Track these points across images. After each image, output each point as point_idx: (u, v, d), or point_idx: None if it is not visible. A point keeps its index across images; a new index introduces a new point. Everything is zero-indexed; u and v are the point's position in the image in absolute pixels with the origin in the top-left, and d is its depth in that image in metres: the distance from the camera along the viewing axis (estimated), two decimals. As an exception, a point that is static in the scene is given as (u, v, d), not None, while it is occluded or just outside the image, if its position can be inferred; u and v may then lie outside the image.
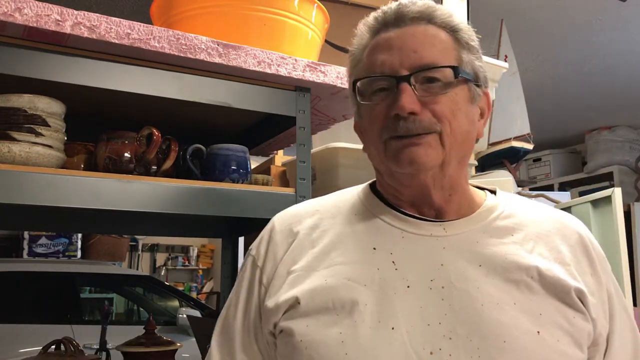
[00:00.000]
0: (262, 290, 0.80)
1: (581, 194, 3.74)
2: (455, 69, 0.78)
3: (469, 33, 0.83)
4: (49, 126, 1.01)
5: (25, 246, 4.51)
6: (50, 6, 0.96)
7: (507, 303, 0.74)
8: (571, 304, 0.76)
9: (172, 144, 1.14)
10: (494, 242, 0.79)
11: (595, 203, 1.69)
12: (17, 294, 3.45)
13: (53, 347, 1.22)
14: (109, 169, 1.09)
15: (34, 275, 3.57)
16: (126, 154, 1.10)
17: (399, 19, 0.80)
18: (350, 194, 0.88)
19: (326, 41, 1.50)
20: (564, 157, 5.03)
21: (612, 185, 4.35)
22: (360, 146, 1.38)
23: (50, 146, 1.01)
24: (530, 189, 3.39)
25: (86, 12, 0.99)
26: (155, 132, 1.11)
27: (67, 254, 4.79)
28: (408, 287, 0.74)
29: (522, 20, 3.06)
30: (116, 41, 1.01)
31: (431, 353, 0.70)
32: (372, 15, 0.84)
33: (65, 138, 1.07)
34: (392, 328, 0.71)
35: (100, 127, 1.15)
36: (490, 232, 0.80)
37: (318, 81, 1.21)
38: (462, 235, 0.80)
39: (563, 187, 4.72)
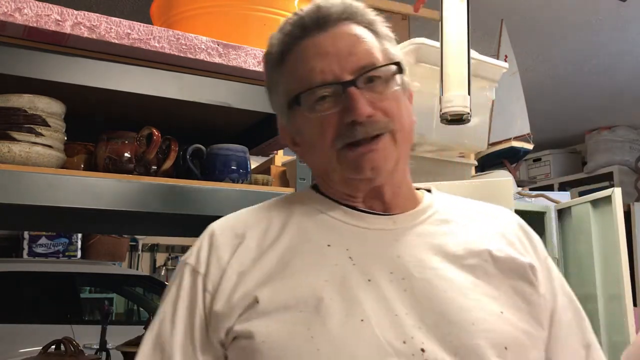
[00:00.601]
0: (208, 298, 0.74)
1: (581, 194, 3.74)
2: (398, 64, 0.79)
3: (381, 22, 0.82)
4: (49, 126, 1.01)
5: (25, 246, 4.51)
6: (50, 6, 0.96)
7: (467, 287, 0.74)
8: (528, 282, 0.78)
9: (172, 144, 1.14)
10: (443, 231, 0.80)
11: (595, 203, 1.69)
12: (17, 294, 3.45)
13: (53, 347, 1.22)
14: (109, 169, 1.09)
15: (34, 275, 3.57)
16: (126, 154, 1.10)
17: (322, 21, 0.78)
18: (294, 198, 0.86)
19: (326, 41, 1.49)
20: (564, 157, 5.02)
21: (612, 185, 4.35)
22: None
23: (50, 146, 1.01)
24: (530, 189, 3.39)
25: (86, 12, 0.99)
26: (155, 132, 1.11)
27: (67, 254, 4.79)
28: (369, 280, 0.72)
29: (522, 20, 3.05)
30: (116, 41, 1.01)
31: (404, 342, 0.68)
32: (287, 20, 0.81)
33: (65, 138, 1.07)
34: (362, 320, 0.69)
35: (100, 127, 1.15)
36: (437, 224, 0.81)
37: (318, 81, 1.21)
38: (411, 227, 0.79)
39: (563, 187, 4.72)
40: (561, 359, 0.79)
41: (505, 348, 0.70)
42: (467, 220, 0.83)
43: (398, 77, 0.80)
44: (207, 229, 0.81)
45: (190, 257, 0.79)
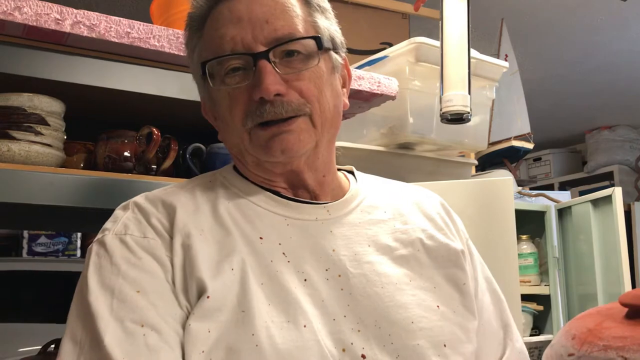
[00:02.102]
0: (165, 262, 0.65)
1: (581, 193, 3.74)
2: (317, 39, 0.71)
3: None
4: (49, 125, 1.01)
5: (25, 245, 4.51)
6: (50, 5, 0.96)
7: (404, 282, 0.71)
8: (460, 268, 0.76)
9: (171, 143, 1.14)
10: (372, 220, 0.76)
11: (595, 203, 1.69)
12: (17, 293, 3.45)
13: (52, 346, 1.22)
14: (109, 168, 1.08)
15: (34, 274, 3.57)
16: (126, 153, 1.10)
17: None
18: (216, 180, 0.77)
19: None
20: (564, 156, 5.02)
21: (613, 185, 4.35)
22: (361, 146, 1.38)
23: (49, 145, 1.01)
24: (531, 188, 3.39)
25: (86, 11, 0.99)
26: (155, 131, 1.11)
27: (66, 253, 4.79)
28: (305, 280, 0.67)
29: (523, 20, 3.05)
30: (116, 40, 1.01)
31: (343, 350, 0.64)
32: None
33: (65, 137, 1.07)
34: (304, 326, 0.64)
35: (100, 126, 1.15)
36: (366, 211, 0.77)
37: (318, 80, 1.21)
38: (345, 216, 0.75)
39: (563, 186, 4.72)
40: (483, 342, 0.77)
41: (444, 345, 0.69)
42: (394, 206, 0.79)
43: (327, 54, 0.73)
44: (124, 205, 0.72)
45: (112, 228, 0.69)
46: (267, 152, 0.70)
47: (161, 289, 0.64)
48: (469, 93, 1.24)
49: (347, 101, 0.78)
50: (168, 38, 1.07)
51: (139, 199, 0.72)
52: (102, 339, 0.60)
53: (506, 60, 2.85)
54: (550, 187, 4.75)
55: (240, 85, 0.69)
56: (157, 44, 1.05)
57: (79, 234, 4.90)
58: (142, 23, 1.05)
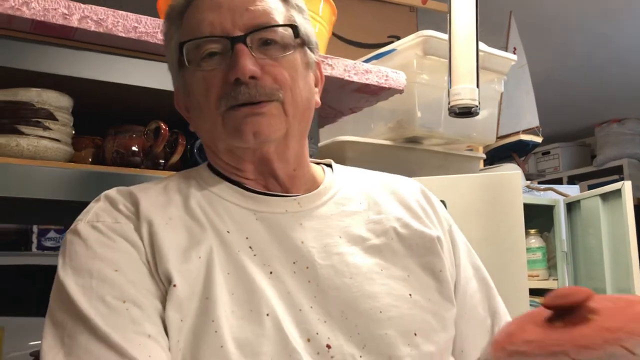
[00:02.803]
0: (138, 243, 0.67)
1: (590, 187, 3.72)
2: (294, 27, 0.73)
3: None
4: (57, 120, 1.01)
5: (34, 239, 4.54)
6: (58, 0, 0.96)
7: (374, 272, 0.71)
8: (436, 255, 0.75)
9: (179, 137, 1.14)
10: (346, 212, 0.76)
11: (604, 197, 1.68)
12: (27, 287, 3.47)
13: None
14: (117, 163, 1.09)
15: (44, 268, 3.59)
16: (134, 148, 1.10)
17: None
18: (189, 175, 0.78)
19: (333, 34, 1.49)
20: (573, 150, 4.99)
21: (622, 179, 4.32)
22: (368, 140, 1.37)
23: (58, 140, 1.01)
24: (539, 182, 3.37)
25: (93, 6, 0.99)
26: (163, 125, 1.11)
27: (76, 247, 4.81)
28: (271, 273, 0.68)
29: (531, 12, 3.03)
30: (123, 35, 1.01)
31: (308, 340, 0.65)
32: None
33: (74, 132, 1.07)
34: (267, 314, 0.64)
35: (108, 120, 1.15)
36: (340, 203, 0.77)
37: (325, 74, 1.21)
38: (316, 209, 0.75)
39: (572, 180, 4.70)
40: (467, 329, 0.77)
41: (415, 334, 0.68)
42: (369, 197, 0.80)
43: (302, 49, 0.75)
44: (97, 197, 0.73)
45: (84, 218, 0.70)
46: (239, 136, 0.71)
47: (137, 267, 0.65)
48: (477, 86, 1.23)
49: (319, 100, 0.80)
50: (175, 32, 1.07)
51: (110, 190, 0.74)
52: (86, 315, 0.61)
53: (515, 53, 2.83)
54: (559, 181, 4.73)
55: (216, 68, 0.71)
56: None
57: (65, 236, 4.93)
58: (149, 17, 1.05)
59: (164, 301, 0.64)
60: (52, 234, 4.64)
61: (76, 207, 1.27)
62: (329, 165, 0.86)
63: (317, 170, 0.83)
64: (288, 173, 0.76)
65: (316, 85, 0.80)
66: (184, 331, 0.62)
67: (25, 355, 1.23)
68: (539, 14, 3.06)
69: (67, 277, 0.65)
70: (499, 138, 2.90)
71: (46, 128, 0.99)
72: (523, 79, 3.02)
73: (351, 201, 0.78)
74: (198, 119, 0.76)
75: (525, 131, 2.95)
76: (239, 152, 0.74)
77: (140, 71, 1.07)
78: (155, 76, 1.08)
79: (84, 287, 0.63)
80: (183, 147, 1.14)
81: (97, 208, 0.71)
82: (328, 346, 0.65)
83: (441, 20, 1.52)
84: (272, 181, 0.76)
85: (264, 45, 0.72)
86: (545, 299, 0.46)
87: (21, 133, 0.97)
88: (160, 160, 1.13)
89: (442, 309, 0.73)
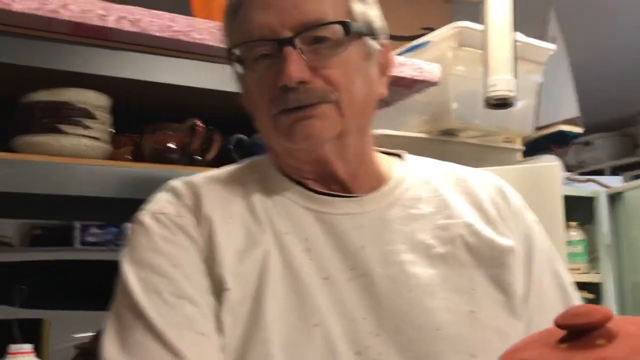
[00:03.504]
0: (198, 240, 0.67)
1: (635, 178, 3.61)
2: (345, 24, 0.67)
3: None
4: (96, 119, 1.03)
5: (77, 235, 4.66)
6: (94, 1, 0.98)
7: (436, 284, 0.67)
8: (506, 267, 0.70)
9: (215, 134, 1.15)
10: (412, 215, 0.72)
11: (649, 188, 1.63)
12: (70, 281, 3.57)
13: (105, 333, 1.26)
14: (155, 160, 1.11)
15: (86, 263, 3.68)
16: (171, 145, 1.12)
17: None
18: (252, 171, 0.76)
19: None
20: (615, 140, 4.86)
21: (667, 169, 4.19)
22: (404, 133, 1.36)
23: (97, 138, 1.03)
24: (580, 174, 3.29)
25: (128, 7, 1.01)
26: (199, 123, 1.12)
27: (117, 242, 4.92)
28: (326, 279, 0.65)
29: (570, 0, 2.95)
30: (158, 34, 1.03)
31: (358, 353, 0.62)
32: None
33: (112, 130, 1.09)
34: (315, 325, 0.62)
35: (145, 118, 1.17)
36: (406, 205, 0.72)
37: (359, 68, 1.20)
38: (379, 211, 0.71)
39: (615, 171, 4.57)
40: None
41: (473, 355, 0.63)
42: (440, 197, 0.74)
43: (360, 41, 0.69)
44: (163, 187, 0.74)
45: (149, 208, 0.71)
46: (290, 139, 0.69)
47: (195, 263, 0.66)
48: (515, 77, 1.21)
49: (384, 90, 0.75)
50: (209, 30, 1.08)
51: (176, 181, 0.74)
52: (142, 311, 0.62)
53: (553, 42, 2.77)
54: (600, 173, 4.60)
55: (267, 71, 0.68)
56: (199, 37, 1.06)
57: (129, 225, 5.03)
58: (183, 16, 1.06)
59: (218, 298, 0.64)
60: (93, 230, 4.75)
61: (116, 204, 1.30)
62: (400, 156, 0.81)
63: (385, 164, 0.78)
64: (349, 172, 0.72)
65: (384, 73, 0.75)
66: (235, 335, 0.62)
67: (70, 348, 1.27)
68: (579, 1, 2.99)
69: (128, 268, 0.66)
70: (538, 129, 2.84)
71: (86, 127, 1.01)
72: (562, 68, 2.95)
73: (419, 202, 0.73)
74: (257, 119, 0.74)
75: (565, 122, 2.88)
76: (295, 154, 0.71)
77: (176, 69, 1.08)
78: (190, 74, 1.09)
79: (144, 280, 0.64)
80: (219, 144, 1.15)
81: (162, 199, 0.72)
82: None
83: (476, 11, 1.50)
84: (332, 181, 0.73)
85: (316, 43, 0.67)
86: (557, 317, 0.43)
87: (62, 132, 0.99)
88: (197, 157, 1.15)
89: (507, 325, 0.67)
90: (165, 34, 1.03)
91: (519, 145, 1.72)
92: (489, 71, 1.22)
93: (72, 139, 1.00)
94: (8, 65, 0.98)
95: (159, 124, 1.14)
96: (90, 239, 4.75)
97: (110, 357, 0.62)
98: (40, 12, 0.93)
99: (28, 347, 0.95)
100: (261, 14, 0.68)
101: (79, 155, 1.00)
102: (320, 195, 0.72)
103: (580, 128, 2.89)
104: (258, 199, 0.71)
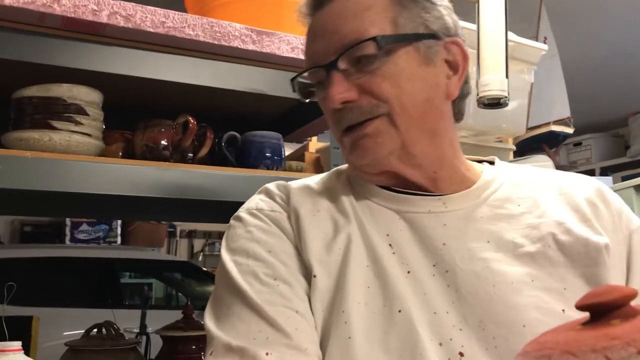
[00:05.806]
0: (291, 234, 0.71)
1: (624, 178, 3.64)
2: (375, 40, 0.67)
3: None
4: (88, 115, 1.03)
5: (68, 232, 4.64)
6: (87, -4, 0.97)
7: (523, 282, 0.66)
8: (602, 265, 0.68)
9: (207, 131, 1.15)
10: (500, 215, 0.71)
11: (638, 188, 1.64)
12: (61, 278, 3.55)
13: (95, 330, 1.25)
14: (147, 157, 1.10)
15: (76, 260, 3.67)
16: (163, 142, 1.12)
17: None
18: (337, 177, 0.80)
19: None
20: (605, 140, 4.90)
21: (657, 170, 4.22)
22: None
23: (89, 134, 1.03)
24: (570, 174, 3.31)
25: (122, 2, 1.00)
26: (191, 120, 1.12)
27: (107, 240, 4.91)
28: (409, 272, 0.66)
29: (562, 0, 2.97)
30: (151, 30, 1.02)
31: (440, 344, 0.62)
32: None
33: (104, 127, 1.09)
34: (399, 311, 0.63)
35: (137, 115, 1.17)
36: (494, 205, 0.72)
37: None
38: (463, 210, 0.71)
39: (605, 171, 4.60)
40: None
41: None
42: (533, 198, 0.73)
43: (408, 47, 0.69)
44: (259, 191, 0.79)
45: (246, 206, 0.76)
46: (352, 157, 0.73)
47: (288, 251, 0.70)
48: (507, 77, 1.21)
49: (454, 90, 0.73)
50: (202, 27, 1.07)
51: (270, 184, 0.79)
52: (241, 288, 0.67)
53: (545, 43, 2.78)
54: (591, 173, 4.64)
55: (324, 96, 0.72)
56: (192, 33, 1.06)
57: (119, 222, 5.02)
58: (177, 12, 1.05)
59: (309, 284, 0.68)
60: (84, 227, 4.73)
61: (108, 200, 1.30)
62: (492, 163, 0.81)
63: (474, 169, 0.78)
64: (427, 176, 0.73)
65: (456, 71, 0.73)
66: (319, 318, 0.66)
67: (60, 345, 1.26)
68: (570, 1, 3.00)
69: (226, 256, 0.71)
70: (530, 129, 2.86)
71: (77, 123, 1.01)
72: (554, 68, 2.97)
73: (508, 203, 0.73)
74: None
75: (556, 122, 2.90)
76: (365, 169, 0.74)
77: (169, 66, 1.08)
78: (183, 71, 1.09)
79: (240, 264, 0.69)
80: (211, 141, 1.15)
81: (257, 199, 0.77)
82: (461, 354, 0.62)
83: (469, 10, 1.50)
84: (411, 185, 0.73)
85: (359, 62, 0.69)
86: (578, 300, 0.43)
87: (53, 128, 0.99)
88: (189, 154, 1.14)
89: None
90: (159, 30, 1.03)
91: (510, 145, 1.72)
92: (482, 71, 1.22)
93: (64, 135, 0.99)
94: (-1, 60, 0.97)
95: (151, 121, 1.14)
96: (80, 236, 4.73)
97: (210, 329, 0.66)
98: (32, 7, 0.93)
99: (16, 344, 0.94)
100: (312, 44, 0.73)
101: (70, 151, 0.99)
102: (402, 195, 0.73)
103: (571, 128, 2.91)
104: (344, 197, 0.75)
